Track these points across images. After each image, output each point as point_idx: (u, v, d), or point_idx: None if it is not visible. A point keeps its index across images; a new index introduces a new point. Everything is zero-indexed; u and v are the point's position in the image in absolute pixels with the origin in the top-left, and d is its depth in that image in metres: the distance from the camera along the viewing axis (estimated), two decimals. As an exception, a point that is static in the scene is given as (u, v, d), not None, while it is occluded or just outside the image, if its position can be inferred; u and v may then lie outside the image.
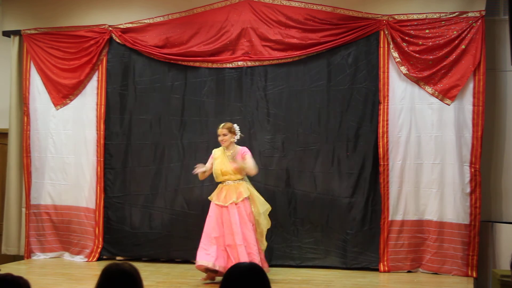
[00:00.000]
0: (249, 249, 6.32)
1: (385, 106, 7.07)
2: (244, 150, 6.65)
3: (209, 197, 6.62)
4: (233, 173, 6.53)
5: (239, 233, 6.34)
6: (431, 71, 6.96)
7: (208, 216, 6.53)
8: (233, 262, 6.18)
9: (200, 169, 6.59)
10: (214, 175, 6.63)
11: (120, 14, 7.85)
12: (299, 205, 7.30)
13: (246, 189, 6.53)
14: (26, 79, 8.10)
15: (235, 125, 6.71)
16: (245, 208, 6.47)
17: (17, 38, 8.18)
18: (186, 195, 7.51)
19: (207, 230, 6.46)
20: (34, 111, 8.06)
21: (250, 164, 6.54)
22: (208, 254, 6.32)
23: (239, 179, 6.54)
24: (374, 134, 7.11)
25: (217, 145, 6.73)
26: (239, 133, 6.70)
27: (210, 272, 6.41)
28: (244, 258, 6.21)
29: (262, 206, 6.63)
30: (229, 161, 6.53)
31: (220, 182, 6.60)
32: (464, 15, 6.90)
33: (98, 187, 7.78)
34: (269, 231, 7.28)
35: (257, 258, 6.26)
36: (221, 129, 6.58)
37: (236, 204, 6.44)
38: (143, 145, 7.74)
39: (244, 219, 6.42)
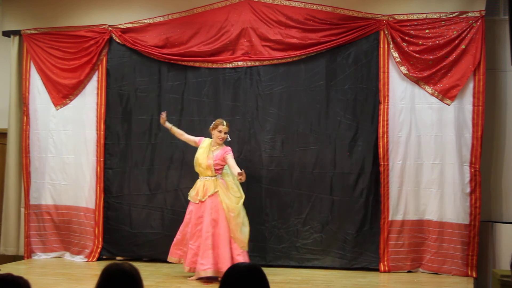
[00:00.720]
0: (199, 252, 6.37)
1: (385, 106, 7.07)
2: (227, 149, 6.66)
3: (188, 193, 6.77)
4: (204, 168, 6.58)
5: (194, 235, 6.43)
6: (431, 71, 6.96)
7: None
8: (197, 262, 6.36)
9: (164, 120, 6.87)
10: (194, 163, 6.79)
11: (120, 14, 7.85)
12: (299, 205, 7.29)
13: (214, 186, 6.53)
14: (26, 79, 8.10)
15: None
16: (212, 205, 6.46)
17: (17, 38, 8.18)
18: (186, 195, 7.49)
19: (182, 226, 6.65)
20: (34, 111, 8.06)
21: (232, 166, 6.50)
22: (180, 249, 6.58)
23: (210, 176, 6.58)
24: (374, 134, 7.11)
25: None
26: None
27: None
28: (193, 261, 6.37)
29: (235, 202, 6.56)
30: (207, 156, 6.57)
31: (197, 175, 6.73)
32: (464, 15, 6.90)
33: (98, 187, 7.78)
34: (269, 231, 7.30)
35: (207, 261, 6.28)
36: (226, 127, 6.66)
37: (202, 202, 6.50)
38: (143, 145, 7.74)
39: (206, 219, 6.43)
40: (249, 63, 7.46)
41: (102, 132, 7.79)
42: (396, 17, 7.07)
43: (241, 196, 6.61)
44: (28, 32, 8.09)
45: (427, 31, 6.98)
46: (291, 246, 7.26)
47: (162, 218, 7.64)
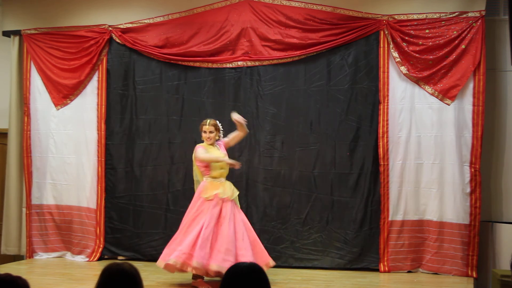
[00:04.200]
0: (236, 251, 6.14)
1: (385, 106, 7.07)
2: (222, 141, 6.54)
3: (204, 196, 6.31)
4: (227, 169, 6.43)
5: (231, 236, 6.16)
6: (431, 71, 6.96)
7: (198, 213, 6.30)
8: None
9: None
10: (212, 167, 6.37)
11: (120, 14, 7.85)
12: (299, 205, 7.30)
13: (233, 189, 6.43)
14: (26, 79, 8.11)
15: (218, 122, 6.62)
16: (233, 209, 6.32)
17: (17, 38, 8.18)
18: (187, 195, 7.49)
19: (198, 230, 6.22)
20: (35, 111, 8.07)
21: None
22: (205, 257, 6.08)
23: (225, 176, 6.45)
24: (374, 134, 7.11)
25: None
26: (222, 131, 6.61)
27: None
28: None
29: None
30: (224, 156, 6.41)
31: (212, 178, 6.39)
32: (464, 15, 6.90)
33: (99, 187, 7.78)
34: (269, 231, 7.30)
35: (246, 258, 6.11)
36: (208, 126, 6.41)
37: (231, 201, 6.32)
38: (143, 145, 7.75)
39: (238, 219, 6.28)
40: (249, 63, 7.46)
41: (103, 132, 7.79)
42: (396, 17, 7.07)
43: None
44: (28, 32, 8.09)
45: (427, 31, 6.98)
46: (291, 246, 7.26)
47: (163, 218, 7.64)
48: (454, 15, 6.93)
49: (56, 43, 8.01)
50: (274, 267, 6.98)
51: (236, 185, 6.81)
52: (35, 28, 8.09)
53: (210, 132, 6.45)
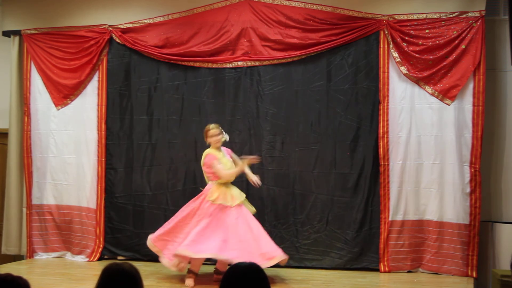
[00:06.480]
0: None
1: (385, 106, 7.07)
2: (228, 149, 6.72)
3: (211, 199, 6.40)
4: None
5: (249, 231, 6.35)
6: (431, 71, 6.96)
7: (203, 217, 6.39)
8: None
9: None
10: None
11: (120, 14, 7.85)
12: (299, 205, 7.30)
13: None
14: (26, 79, 8.11)
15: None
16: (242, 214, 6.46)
17: (17, 38, 8.18)
18: (187, 195, 7.50)
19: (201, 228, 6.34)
20: (35, 111, 8.07)
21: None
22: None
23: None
24: (374, 134, 7.11)
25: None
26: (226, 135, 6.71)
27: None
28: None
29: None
30: (232, 163, 6.58)
31: (220, 183, 6.51)
32: (464, 15, 6.90)
33: (99, 187, 7.79)
34: (269, 231, 7.30)
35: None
36: (217, 129, 6.54)
37: (240, 205, 6.46)
38: (144, 145, 7.75)
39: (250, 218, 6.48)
40: (249, 63, 7.46)
41: (103, 132, 7.79)
42: (396, 17, 7.07)
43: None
44: (28, 32, 8.09)
45: (427, 31, 6.98)
46: (291, 246, 7.26)
47: (163, 218, 7.62)
48: (454, 15, 6.93)
49: (56, 43, 8.01)
50: (274, 267, 6.99)
51: (236, 185, 6.84)
52: (35, 28, 8.09)
53: (218, 134, 6.50)
